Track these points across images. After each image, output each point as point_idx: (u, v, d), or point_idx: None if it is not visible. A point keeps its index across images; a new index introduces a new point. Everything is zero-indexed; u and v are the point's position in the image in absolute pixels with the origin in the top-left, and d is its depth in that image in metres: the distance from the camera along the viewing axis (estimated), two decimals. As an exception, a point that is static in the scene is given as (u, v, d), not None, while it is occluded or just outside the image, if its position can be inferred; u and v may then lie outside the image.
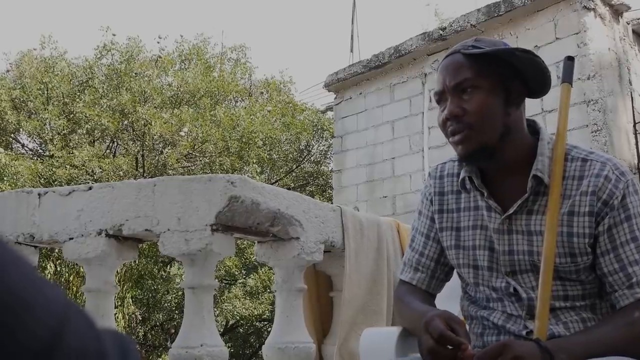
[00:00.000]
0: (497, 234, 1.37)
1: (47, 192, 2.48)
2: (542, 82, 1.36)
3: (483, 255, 1.40)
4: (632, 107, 6.30)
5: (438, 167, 1.55)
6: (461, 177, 1.43)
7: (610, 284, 1.29)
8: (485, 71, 1.32)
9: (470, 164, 1.39)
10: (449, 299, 1.94)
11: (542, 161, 1.33)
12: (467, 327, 1.50)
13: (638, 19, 6.69)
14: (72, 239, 2.39)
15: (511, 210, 1.35)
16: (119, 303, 9.66)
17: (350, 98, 8.09)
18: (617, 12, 6.42)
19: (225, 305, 13.37)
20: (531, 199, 1.34)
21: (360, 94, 7.98)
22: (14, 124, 11.42)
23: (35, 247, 2.64)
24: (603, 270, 1.30)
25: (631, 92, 6.35)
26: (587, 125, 5.76)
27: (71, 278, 9.35)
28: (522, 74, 1.34)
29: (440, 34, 6.97)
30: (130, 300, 10.42)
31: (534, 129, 1.41)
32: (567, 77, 1.43)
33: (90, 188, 2.41)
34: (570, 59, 1.43)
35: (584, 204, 1.30)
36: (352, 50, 10.49)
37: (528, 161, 1.34)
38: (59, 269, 9.36)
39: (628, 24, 6.66)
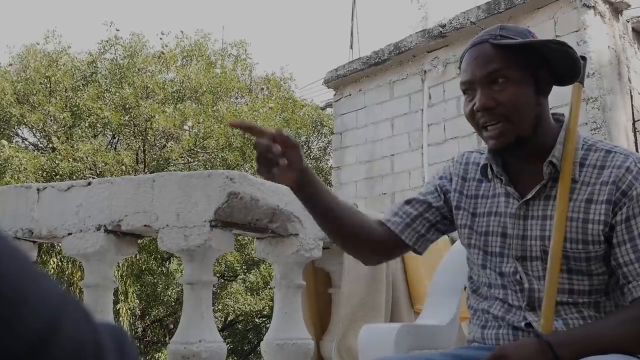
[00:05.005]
0: (512, 218, 1.37)
1: (46, 188, 2.48)
2: (572, 69, 1.36)
3: (495, 241, 1.40)
4: (632, 105, 6.30)
5: (464, 154, 1.55)
6: (482, 164, 1.44)
7: (624, 274, 1.28)
8: (515, 61, 1.32)
9: (502, 155, 1.39)
10: (448, 294, 1.94)
11: (560, 149, 1.34)
12: (470, 319, 1.51)
13: (638, 17, 6.68)
14: (70, 234, 2.39)
15: (529, 196, 1.35)
16: (122, 298, 9.67)
17: (350, 95, 8.08)
18: (616, 10, 6.42)
19: (227, 301, 13.39)
20: (549, 184, 1.35)
21: (359, 90, 7.97)
22: (17, 117, 11.40)
23: (34, 242, 2.64)
24: (618, 260, 1.28)
25: (630, 90, 6.35)
26: (587, 123, 5.76)
27: (73, 273, 9.37)
28: (550, 62, 1.34)
29: (440, 31, 6.97)
30: (134, 295, 10.42)
31: (558, 119, 1.42)
32: (579, 77, 1.42)
33: (89, 183, 2.41)
34: (582, 59, 1.43)
35: (603, 193, 1.30)
36: (351, 47, 10.47)
37: (550, 149, 1.35)
38: (61, 264, 9.37)
39: (628, 22, 6.65)
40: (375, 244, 1.50)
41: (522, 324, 1.34)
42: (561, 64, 1.35)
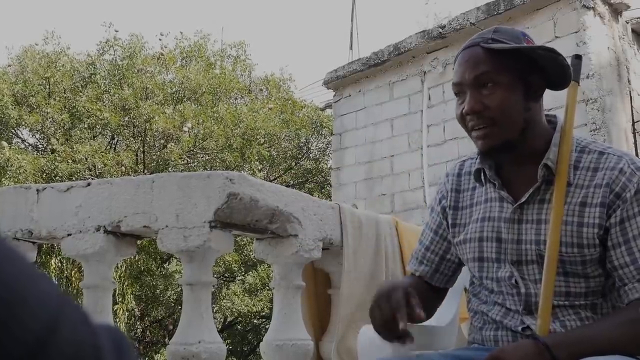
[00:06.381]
0: (507, 223, 1.37)
1: (45, 188, 2.48)
2: (562, 76, 1.37)
3: (491, 246, 1.40)
4: (631, 106, 6.31)
5: (457, 165, 1.56)
6: (475, 168, 1.45)
7: (620, 277, 1.28)
8: (506, 65, 1.32)
9: (490, 158, 1.40)
10: (448, 295, 1.94)
11: (555, 151, 1.34)
12: (470, 320, 1.51)
13: (637, 18, 6.69)
14: (70, 235, 2.39)
15: (523, 199, 1.35)
16: (120, 299, 9.67)
17: (350, 95, 8.08)
18: (616, 11, 6.42)
19: (224, 302, 13.39)
20: (543, 187, 1.34)
21: (359, 91, 7.97)
22: (16, 119, 11.39)
23: (34, 243, 2.63)
24: (614, 263, 1.29)
25: (630, 92, 6.35)
26: (586, 124, 5.76)
27: (73, 273, 9.37)
28: (542, 68, 1.34)
29: (440, 32, 6.97)
30: (131, 297, 10.43)
31: (551, 121, 1.42)
32: (575, 76, 1.42)
33: (88, 184, 2.41)
34: (577, 58, 1.43)
35: (597, 196, 1.30)
36: (351, 48, 10.47)
37: (543, 152, 1.35)
38: (61, 264, 9.38)
39: (627, 23, 6.65)
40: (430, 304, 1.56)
41: (520, 327, 1.34)
42: (552, 69, 1.35)
